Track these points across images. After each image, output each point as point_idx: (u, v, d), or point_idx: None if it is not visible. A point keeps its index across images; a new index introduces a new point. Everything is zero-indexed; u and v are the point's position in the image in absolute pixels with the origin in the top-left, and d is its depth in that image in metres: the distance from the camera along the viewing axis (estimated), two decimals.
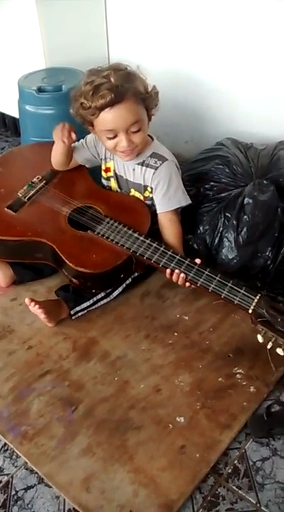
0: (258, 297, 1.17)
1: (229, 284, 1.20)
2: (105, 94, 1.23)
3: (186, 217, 1.51)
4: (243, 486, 1.04)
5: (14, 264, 1.48)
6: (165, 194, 1.40)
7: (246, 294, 1.18)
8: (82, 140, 1.53)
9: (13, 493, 1.04)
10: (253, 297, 1.17)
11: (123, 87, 1.24)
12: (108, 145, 1.35)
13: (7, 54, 2.06)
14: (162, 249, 1.30)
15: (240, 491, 1.03)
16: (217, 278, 1.22)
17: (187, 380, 1.23)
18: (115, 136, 1.31)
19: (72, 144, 1.53)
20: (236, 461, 1.08)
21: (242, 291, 1.19)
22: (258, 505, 1.00)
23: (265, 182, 1.48)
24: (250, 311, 1.16)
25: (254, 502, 1.01)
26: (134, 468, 1.05)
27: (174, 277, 1.27)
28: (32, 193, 1.49)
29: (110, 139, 1.32)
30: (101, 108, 1.25)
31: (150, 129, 1.41)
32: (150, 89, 1.31)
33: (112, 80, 1.24)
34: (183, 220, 1.48)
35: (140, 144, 1.35)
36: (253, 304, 1.16)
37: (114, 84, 1.23)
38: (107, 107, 1.25)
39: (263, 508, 1.00)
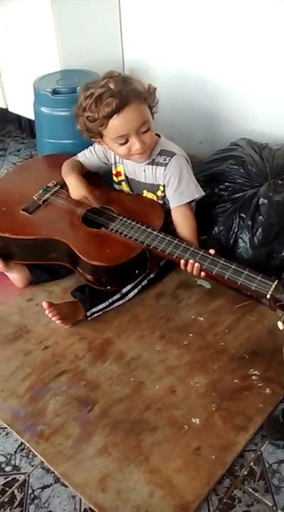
0: (275, 283, 1.16)
1: (246, 272, 1.20)
2: (109, 102, 1.24)
3: (200, 217, 1.50)
4: (259, 489, 1.03)
5: (30, 266, 1.49)
6: (177, 188, 1.39)
7: (263, 280, 1.18)
8: (90, 148, 1.54)
9: (30, 492, 1.05)
10: (270, 283, 1.16)
11: (124, 90, 1.25)
12: (121, 151, 1.35)
13: (23, 56, 2.08)
14: (176, 241, 1.30)
15: (256, 494, 1.02)
16: (233, 266, 1.21)
17: (202, 381, 1.23)
18: (126, 141, 1.32)
19: (80, 155, 1.55)
20: (252, 463, 1.08)
21: (258, 277, 1.18)
22: (275, 508, 1.00)
23: (280, 182, 1.48)
24: (268, 297, 1.15)
25: (270, 505, 1.00)
26: (150, 469, 1.06)
27: (189, 268, 1.26)
28: (47, 196, 1.51)
29: (122, 144, 1.32)
30: (109, 116, 1.26)
31: (164, 131, 1.41)
32: (148, 88, 1.32)
33: (112, 86, 1.25)
34: (197, 221, 1.47)
35: (151, 144, 1.36)
36: (271, 289, 1.15)
37: (115, 90, 1.25)
38: (114, 113, 1.26)
39: (279, 510, 0.99)
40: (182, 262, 1.27)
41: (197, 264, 1.24)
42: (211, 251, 1.26)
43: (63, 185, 1.54)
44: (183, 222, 1.41)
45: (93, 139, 1.40)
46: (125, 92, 1.25)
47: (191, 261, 1.25)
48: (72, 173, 1.48)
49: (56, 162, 1.59)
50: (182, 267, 1.28)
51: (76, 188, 1.45)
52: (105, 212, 1.42)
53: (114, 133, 1.30)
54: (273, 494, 1.02)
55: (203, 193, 1.42)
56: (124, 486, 1.03)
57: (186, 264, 1.27)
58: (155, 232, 1.32)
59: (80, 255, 1.31)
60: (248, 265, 1.42)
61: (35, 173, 1.67)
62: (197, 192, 1.41)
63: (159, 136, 1.44)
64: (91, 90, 1.29)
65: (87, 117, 1.30)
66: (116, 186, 1.56)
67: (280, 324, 1.11)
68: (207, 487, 1.02)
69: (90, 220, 1.42)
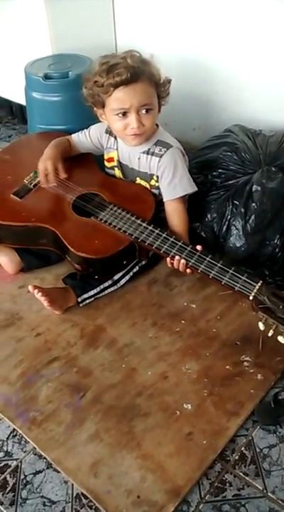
0: (259, 284, 1.16)
1: (230, 271, 1.20)
2: (121, 72, 1.25)
3: (193, 204, 1.50)
4: (250, 473, 1.04)
5: (21, 252, 1.49)
6: (171, 182, 1.39)
7: (247, 280, 1.17)
8: (85, 130, 1.54)
9: (22, 477, 1.05)
10: (254, 284, 1.16)
11: (139, 68, 1.27)
12: (118, 126, 1.35)
13: (14, 40, 2.04)
14: (164, 235, 1.30)
15: (247, 478, 1.03)
16: (218, 265, 1.21)
17: (194, 367, 1.23)
18: (125, 117, 1.31)
19: (74, 135, 1.54)
20: (243, 448, 1.09)
21: (243, 277, 1.18)
22: (265, 491, 1.01)
23: (273, 169, 1.47)
24: (250, 298, 1.15)
25: (261, 488, 1.02)
26: (142, 455, 1.06)
27: (175, 264, 1.26)
28: (38, 179, 1.49)
29: (120, 119, 1.32)
30: (116, 85, 1.27)
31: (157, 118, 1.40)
32: (163, 78, 1.33)
33: (129, 60, 1.27)
34: (190, 208, 1.47)
35: (149, 130, 1.36)
36: (254, 290, 1.15)
37: (131, 64, 1.26)
38: (122, 84, 1.26)
39: (269, 494, 1.00)
40: (168, 259, 1.27)
41: (183, 261, 1.24)
42: (199, 247, 1.26)
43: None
44: (174, 216, 1.42)
45: (95, 109, 1.40)
46: (139, 70, 1.27)
47: (177, 257, 1.25)
48: (53, 146, 1.49)
49: (49, 140, 1.57)
50: (169, 264, 1.28)
51: (44, 159, 1.46)
52: (95, 200, 1.41)
53: (116, 104, 1.30)
54: (264, 478, 1.03)
55: (196, 188, 1.42)
56: (116, 471, 1.03)
57: (172, 260, 1.26)
58: (144, 225, 1.32)
59: (68, 246, 1.32)
60: (241, 253, 1.44)
61: (28, 153, 1.65)
62: (190, 186, 1.41)
63: (157, 126, 1.43)
64: (108, 59, 1.30)
65: (95, 81, 1.31)
66: (108, 171, 1.56)
67: (260, 325, 1.11)
68: (198, 471, 1.03)
69: (80, 205, 1.41)
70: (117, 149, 1.48)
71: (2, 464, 1.08)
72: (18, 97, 2.13)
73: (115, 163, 1.51)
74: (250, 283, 1.17)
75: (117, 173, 1.53)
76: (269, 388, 1.18)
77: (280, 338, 1.09)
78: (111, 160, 1.52)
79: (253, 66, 1.77)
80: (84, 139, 1.53)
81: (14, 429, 1.13)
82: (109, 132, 1.48)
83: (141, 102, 1.29)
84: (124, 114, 1.31)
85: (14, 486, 1.04)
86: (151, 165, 1.42)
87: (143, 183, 1.48)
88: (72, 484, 1.03)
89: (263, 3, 1.63)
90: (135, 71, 1.25)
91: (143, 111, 1.31)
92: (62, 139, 1.55)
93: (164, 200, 1.43)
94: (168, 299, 1.42)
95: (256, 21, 1.68)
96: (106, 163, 1.54)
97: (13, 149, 1.70)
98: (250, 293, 1.15)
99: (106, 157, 1.53)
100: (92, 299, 1.39)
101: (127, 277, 1.43)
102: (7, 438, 1.13)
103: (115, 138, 1.47)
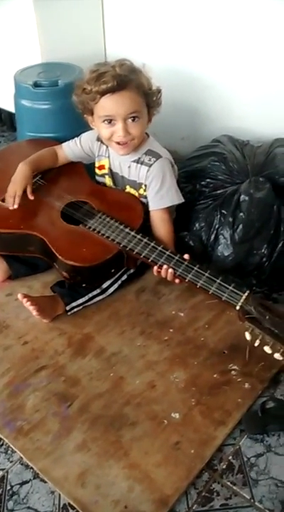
0: (246, 294, 1.16)
1: (218, 281, 1.20)
2: (108, 80, 1.26)
3: (181, 214, 1.51)
4: (237, 482, 1.04)
5: (9, 259, 1.48)
6: (158, 192, 1.40)
7: (234, 290, 1.17)
8: (76, 139, 1.54)
9: (9, 488, 1.04)
10: (241, 294, 1.16)
11: (127, 77, 1.28)
12: (105, 134, 1.36)
13: (3, 48, 2.05)
14: (152, 244, 1.30)
15: (234, 487, 1.03)
16: (206, 274, 1.21)
17: (182, 376, 1.23)
18: (112, 125, 1.32)
19: (65, 144, 1.56)
20: (230, 457, 1.09)
21: (230, 287, 1.18)
22: (252, 500, 1.01)
23: (261, 179, 1.49)
24: (237, 308, 1.15)
25: (248, 497, 1.02)
26: (129, 464, 1.06)
27: (162, 273, 1.27)
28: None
29: (107, 126, 1.33)
30: (103, 93, 1.28)
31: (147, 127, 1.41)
32: (153, 87, 1.34)
33: (117, 69, 1.28)
34: (179, 217, 1.48)
35: (137, 139, 1.36)
36: (241, 300, 1.15)
37: (118, 73, 1.27)
38: (108, 92, 1.27)
39: (257, 503, 1.00)
40: (155, 268, 1.27)
41: (170, 270, 1.25)
42: (186, 256, 1.26)
43: (44, 175, 1.53)
44: (159, 225, 1.43)
45: (85, 116, 1.41)
46: (127, 78, 1.28)
47: (165, 266, 1.25)
48: (26, 164, 1.48)
49: (38, 147, 1.57)
50: (155, 273, 1.29)
51: (16, 179, 1.45)
52: (84, 208, 1.42)
53: (102, 111, 1.31)
54: (251, 487, 1.03)
55: (183, 200, 1.43)
56: (103, 481, 1.03)
57: (160, 269, 1.27)
58: (132, 233, 1.32)
59: (56, 254, 1.31)
60: (228, 262, 1.45)
61: (17, 160, 1.63)
62: (177, 198, 1.42)
63: (148, 135, 1.44)
64: (99, 67, 1.32)
65: (84, 89, 1.32)
66: (99, 179, 1.56)
67: (247, 335, 1.11)
68: (186, 481, 1.03)
69: (69, 213, 1.41)
70: (108, 157, 1.49)
71: None
72: (7, 105, 2.13)
73: (106, 171, 1.52)
74: (237, 293, 1.17)
75: (108, 181, 1.53)
76: (256, 397, 1.19)
77: (266, 349, 1.09)
78: (102, 167, 1.52)
79: (241, 77, 1.79)
80: (75, 148, 1.53)
81: (0, 439, 1.12)
82: (101, 140, 1.48)
83: (128, 110, 1.29)
84: (111, 121, 1.32)
85: (0, 497, 1.03)
86: (140, 174, 1.43)
87: (132, 191, 1.49)
88: (59, 494, 1.02)
89: (253, 17, 1.66)
90: (122, 79, 1.26)
91: (130, 119, 1.31)
92: (48, 150, 1.55)
93: (150, 209, 1.43)
94: (156, 307, 1.42)
95: (245, 34, 1.70)
96: (96, 170, 1.54)
97: (1, 156, 1.70)
98: (237, 303, 1.16)
99: (97, 164, 1.54)
100: (80, 307, 1.39)
101: (115, 286, 1.43)
102: None
103: (107, 146, 1.48)
